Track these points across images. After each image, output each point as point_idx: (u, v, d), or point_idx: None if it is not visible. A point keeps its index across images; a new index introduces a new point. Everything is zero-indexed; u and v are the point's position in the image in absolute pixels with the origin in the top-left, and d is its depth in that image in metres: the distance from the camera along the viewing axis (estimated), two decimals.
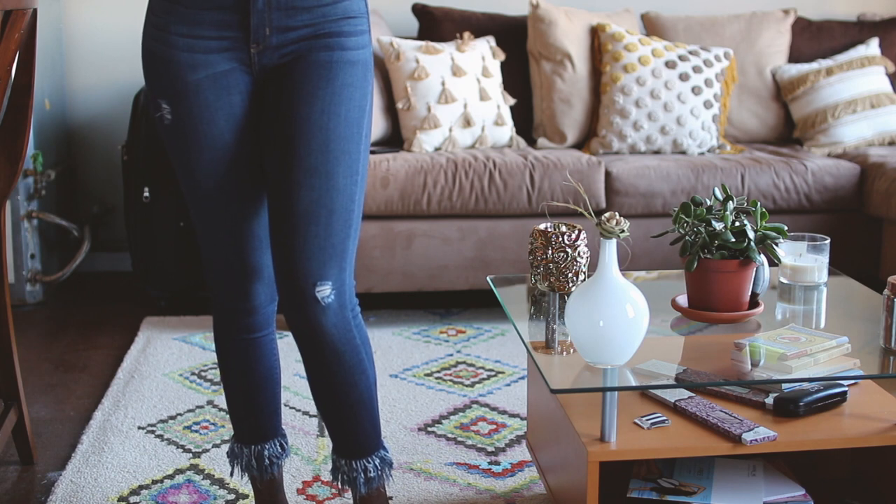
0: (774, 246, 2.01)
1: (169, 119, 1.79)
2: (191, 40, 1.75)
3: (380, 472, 1.94)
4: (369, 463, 1.93)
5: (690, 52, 3.84)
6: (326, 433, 2.62)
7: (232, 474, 2.09)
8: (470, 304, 3.74)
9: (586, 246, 2.12)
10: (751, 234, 1.96)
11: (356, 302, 1.84)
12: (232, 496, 2.30)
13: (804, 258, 2.22)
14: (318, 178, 1.75)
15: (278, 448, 2.04)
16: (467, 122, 3.66)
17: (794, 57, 4.12)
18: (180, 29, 1.75)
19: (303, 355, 1.86)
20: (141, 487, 2.34)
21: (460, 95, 3.65)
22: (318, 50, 1.77)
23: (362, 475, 1.93)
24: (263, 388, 2.00)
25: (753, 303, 2.03)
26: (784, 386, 1.98)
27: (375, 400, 1.92)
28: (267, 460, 2.02)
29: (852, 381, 2.04)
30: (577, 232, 2.10)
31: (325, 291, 1.76)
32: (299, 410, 2.77)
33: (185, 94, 1.76)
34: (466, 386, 2.95)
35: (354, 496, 1.97)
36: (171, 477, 2.39)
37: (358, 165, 1.79)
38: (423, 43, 3.72)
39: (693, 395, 1.99)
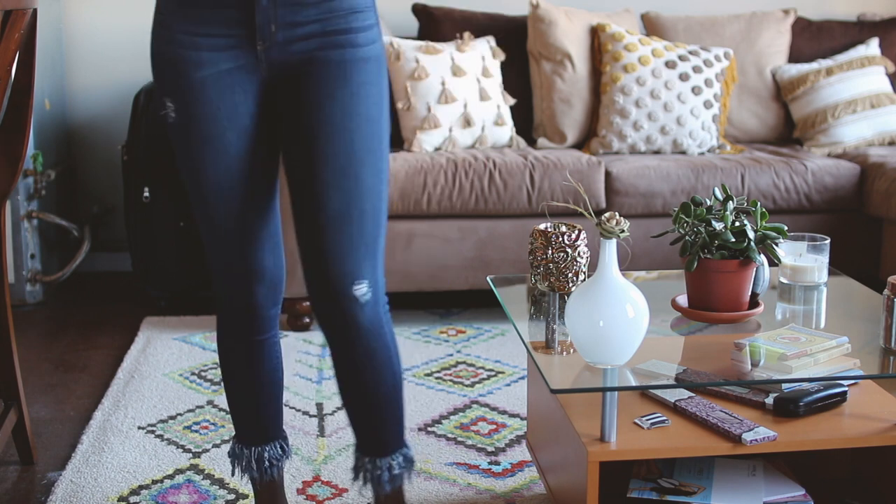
0: (774, 246, 2.01)
1: (173, 117, 1.80)
2: (196, 38, 1.75)
3: (402, 470, 1.95)
4: (394, 461, 1.93)
5: (690, 52, 3.84)
6: (326, 433, 2.62)
7: (233, 474, 2.09)
8: (470, 304, 3.74)
9: (586, 246, 2.12)
10: (751, 234, 1.96)
11: (386, 299, 1.86)
12: (232, 496, 2.30)
13: (804, 258, 2.22)
14: (346, 179, 1.76)
15: (279, 450, 2.03)
16: (467, 122, 3.66)
17: (794, 57, 4.12)
18: (186, 27, 1.75)
19: (334, 352, 1.87)
20: (141, 487, 2.34)
21: (460, 95, 3.65)
22: (329, 49, 1.76)
23: (386, 473, 1.94)
24: (265, 390, 1.99)
25: (753, 303, 2.03)
26: (784, 386, 1.98)
27: (402, 397, 1.93)
28: (267, 462, 2.01)
29: (852, 381, 2.04)
30: (577, 232, 2.10)
31: (362, 289, 1.78)
32: (299, 410, 2.77)
33: (189, 92, 1.77)
34: (466, 386, 2.95)
35: (377, 495, 1.98)
36: (171, 477, 2.39)
37: (382, 163, 1.80)
38: (423, 43, 3.72)
39: (693, 395, 1.99)
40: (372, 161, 1.78)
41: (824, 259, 2.23)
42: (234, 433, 2.07)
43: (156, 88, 1.83)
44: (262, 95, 1.80)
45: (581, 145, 3.87)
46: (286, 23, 1.74)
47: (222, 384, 2.03)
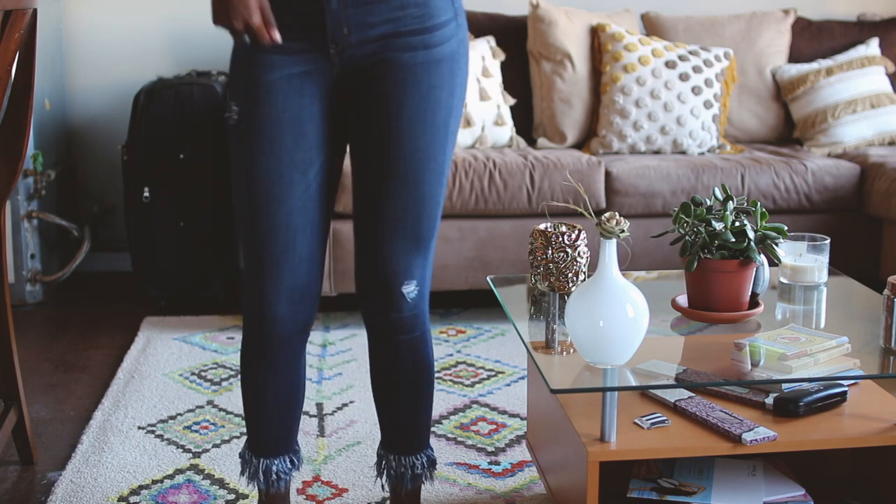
0: (774, 246, 2.01)
1: (235, 119, 1.79)
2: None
3: (425, 470, 1.99)
4: (418, 460, 1.98)
5: (690, 52, 3.84)
6: (326, 433, 2.62)
7: (241, 475, 2.05)
8: (470, 304, 3.74)
9: (586, 246, 2.12)
10: (751, 234, 1.96)
11: (428, 297, 1.90)
12: (232, 496, 2.30)
13: (804, 258, 2.22)
14: (406, 185, 1.78)
15: (288, 464, 1.99)
16: (467, 122, 3.66)
17: (794, 57, 4.12)
18: None
19: (374, 345, 1.92)
20: (141, 487, 2.34)
21: None
22: (402, 50, 1.75)
23: (409, 471, 1.98)
24: (284, 408, 1.95)
25: (753, 303, 2.03)
26: (784, 386, 1.98)
27: (432, 398, 1.98)
28: (274, 475, 1.97)
29: (852, 381, 2.04)
30: (577, 232, 2.10)
31: (410, 287, 1.84)
32: None
33: (256, 94, 1.76)
34: (466, 386, 2.95)
35: (396, 492, 1.99)
36: (171, 477, 2.39)
37: (444, 168, 1.82)
38: None
39: (693, 395, 1.99)
40: (433, 167, 1.80)
41: (824, 259, 2.23)
42: (241, 435, 2.06)
43: (227, 91, 1.83)
44: (330, 100, 1.79)
45: (581, 145, 3.87)
46: (358, 23, 1.73)
47: (241, 394, 1.99)
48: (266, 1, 1.68)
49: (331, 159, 1.83)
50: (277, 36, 1.67)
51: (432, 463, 2.00)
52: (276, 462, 1.97)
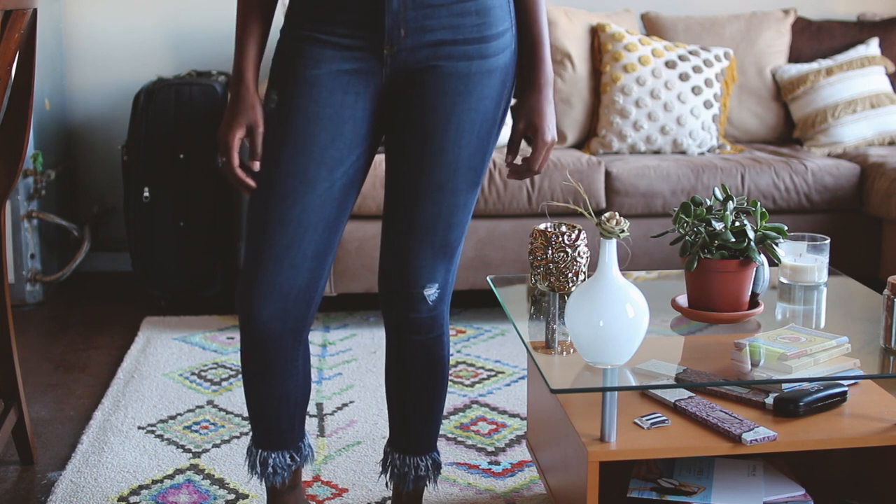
0: (774, 246, 2.01)
1: (272, 108, 1.76)
2: (324, 36, 1.73)
3: (428, 473, 1.99)
4: (422, 462, 1.98)
5: (690, 52, 3.84)
6: (326, 433, 2.62)
7: (245, 464, 2.03)
8: (470, 304, 3.74)
9: (586, 246, 2.12)
10: (751, 234, 1.96)
11: (450, 300, 1.90)
12: (232, 496, 2.30)
13: (804, 258, 2.22)
14: (442, 193, 1.78)
15: (286, 460, 1.95)
16: None
17: (794, 57, 4.12)
18: (317, 26, 1.73)
19: (391, 345, 1.92)
20: (141, 487, 2.34)
21: None
22: (456, 59, 1.74)
23: (413, 472, 1.98)
24: (279, 407, 1.92)
25: (753, 303, 2.03)
26: (784, 386, 1.98)
27: (443, 402, 1.97)
28: (270, 468, 1.95)
29: (852, 381, 2.04)
30: (577, 232, 2.11)
31: (431, 290, 1.83)
32: None
33: (299, 85, 1.73)
34: (466, 386, 2.95)
35: (398, 491, 2.00)
36: (171, 477, 2.39)
37: (480, 177, 1.82)
38: None
39: (693, 395, 1.99)
40: (471, 177, 1.80)
41: (824, 259, 2.23)
42: (241, 435, 2.05)
43: (269, 81, 1.80)
44: (375, 101, 1.77)
45: (581, 145, 3.87)
46: (416, 27, 1.71)
47: (243, 386, 1.98)
48: (258, 137, 1.74)
49: (362, 159, 1.80)
50: (251, 183, 1.75)
51: (437, 466, 2.00)
52: (273, 455, 1.94)
